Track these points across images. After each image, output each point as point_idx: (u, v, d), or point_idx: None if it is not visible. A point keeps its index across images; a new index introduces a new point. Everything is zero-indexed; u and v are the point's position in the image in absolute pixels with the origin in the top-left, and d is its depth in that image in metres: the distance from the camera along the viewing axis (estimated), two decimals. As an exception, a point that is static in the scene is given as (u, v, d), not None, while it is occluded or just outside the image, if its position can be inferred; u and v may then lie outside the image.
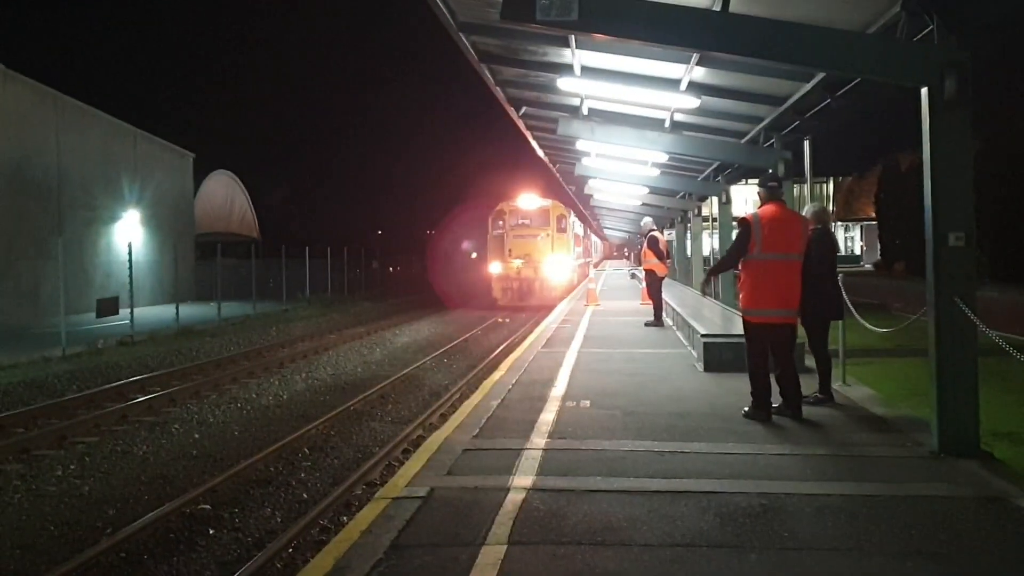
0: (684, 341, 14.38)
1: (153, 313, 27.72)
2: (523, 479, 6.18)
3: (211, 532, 7.53)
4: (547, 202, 36.24)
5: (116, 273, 30.22)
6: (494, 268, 35.55)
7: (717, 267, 8.21)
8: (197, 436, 11.50)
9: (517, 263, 35.02)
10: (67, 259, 21.34)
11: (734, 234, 8.51)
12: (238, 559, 6.88)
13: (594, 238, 66.23)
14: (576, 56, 12.12)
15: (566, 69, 13.09)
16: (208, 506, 8.21)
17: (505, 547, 4.80)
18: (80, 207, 30.90)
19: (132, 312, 22.93)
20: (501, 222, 35.90)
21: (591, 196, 36.06)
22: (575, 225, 40.12)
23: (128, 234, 31.67)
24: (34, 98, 28.91)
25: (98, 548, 6.93)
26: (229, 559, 6.91)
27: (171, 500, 8.25)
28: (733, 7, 8.09)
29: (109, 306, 23.72)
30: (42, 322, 23.99)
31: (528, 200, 36.16)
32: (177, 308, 26.15)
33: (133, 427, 12.02)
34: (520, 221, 35.87)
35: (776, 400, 8.21)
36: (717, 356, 11.16)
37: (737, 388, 9.35)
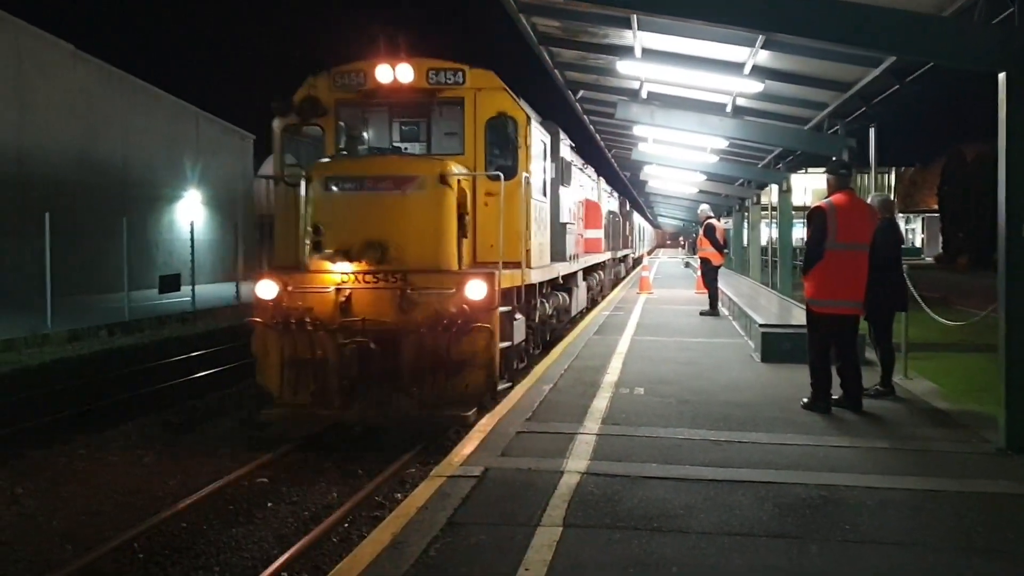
0: (740, 331, 14.21)
1: (213, 290, 28.17)
2: (577, 463, 6.17)
3: (269, 505, 7.65)
4: (454, 74, 10.40)
5: (178, 251, 30.80)
6: (262, 290, 9.11)
7: (807, 265, 8.03)
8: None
9: (343, 271, 9.05)
10: (131, 237, 21.82)
11: (806, 227, 8.32)
12: (295, 531, 6.98)
13: (638, 219, 46.03)
14: (637, 38, 12.02)
15: (626, 52, 12.99)
16: (266, 479, 8.33)
17: (560, 529, 4.80)
18: (144, 186, 31.52)
19: (193, 289, 23.38)
20: (305, 140, 11.11)
21: (646, 182, 35.74)
22: (572, 169, 14.23)
23: (190, 213, 32.27)
24: (102, 79, 29.53)
25: (161, 516, 7.09)
26: (286, 531, 7.01)
27: (230, 472, 8.38)
28: (803, -12, 7.90)
29: (171, 283, 24.18)
30: (106, 297, 24.58)
31: (396, 71, 10.18)
32: (237, 286, 26.58)
33: (196, 400, 12.26)
34: (364, 130, 10.75)
35: (836, 392, 8.07)
36: (775, 346, 11.00)
37: (795, 379, 9.20)
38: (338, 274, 9.02)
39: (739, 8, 7.27)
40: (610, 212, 24.65)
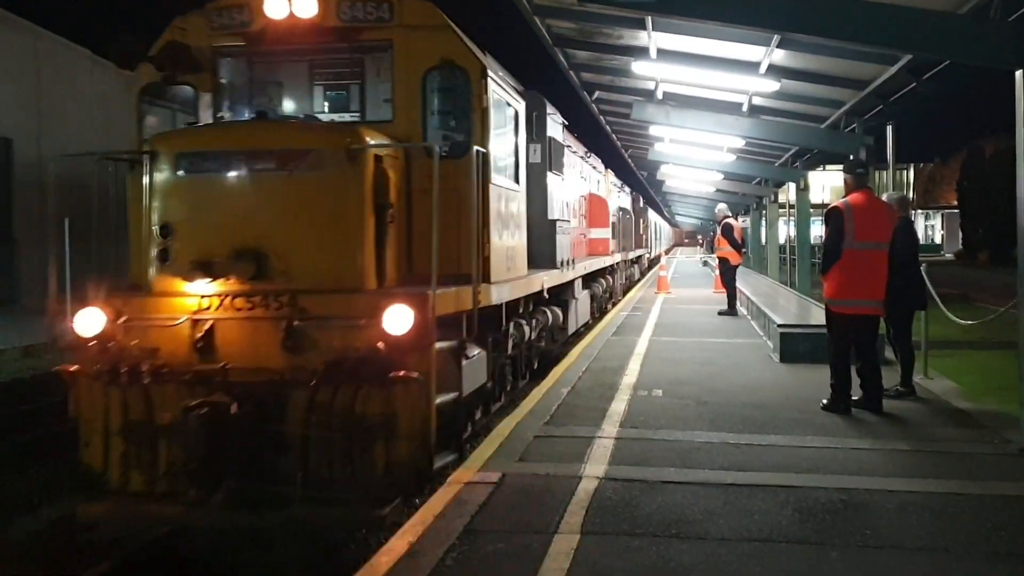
0: (759, 331, 14.14)
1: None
2: (595, 468, 6.15)
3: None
4: (376, 7, 7.35)
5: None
6: (83, 324, 6.29)
7: (825, 266, 8.00)
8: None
9: (202, 293, 6.28)
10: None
11: (824, 226, 8.26)
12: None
13: (654, 217, 43.25)
14: (652, 39, 11.97)
15: (641, 52, 12.94)
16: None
17: (578, 536, 4.78)
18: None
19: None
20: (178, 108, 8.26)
21: (663, 182, 35.66)
22: (566, 154, 12.51)
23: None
24: (118, 82, 29.75)
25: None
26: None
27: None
28: (817, -13, 7.85)
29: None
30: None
31: (291, 3, 7.13)
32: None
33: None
34: (269, 93, 8.03)
35: (856, 393, 8.01)
36: (794, 347, 10.94)
37: (814, 380, 9.15)
38: (195, 297, 6.24)
39: (755, 9, 7.23)
40: (620, 208, 22.02)
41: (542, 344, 11.11)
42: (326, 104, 8.02)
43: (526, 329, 9.61)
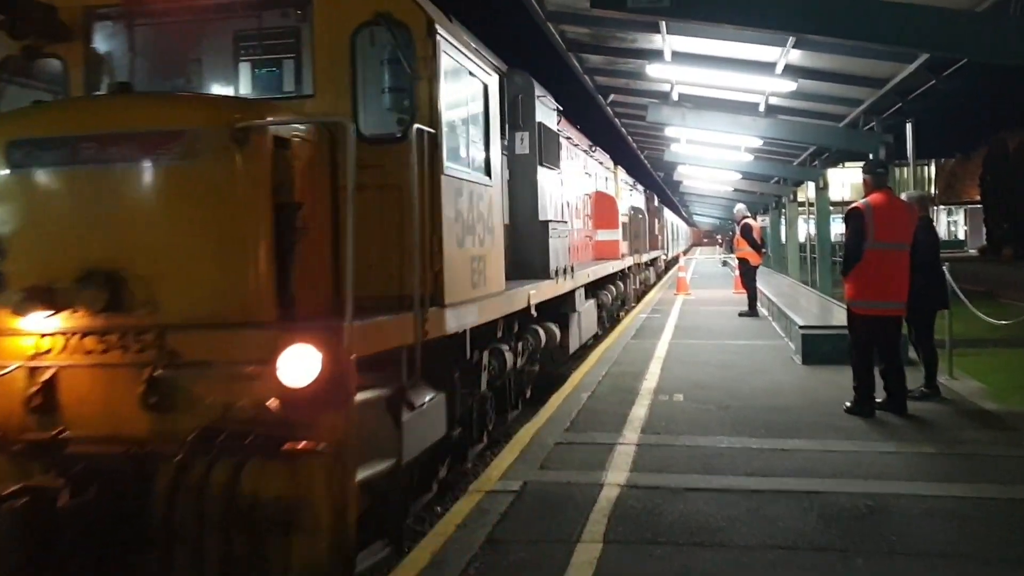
0: (780, 332, 14.05)
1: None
2: (616, 475, 6.12)
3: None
4: None
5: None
6: None
7: (846, 267, 7.95)
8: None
9: (40, 330, 4.51)
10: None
11: (845, 226, 8.20)
12: (336, 548, 6.99)
13: (671, 217, 41.56)
14: (667, 42, 11.94)
15: (656, 55, 12.90)
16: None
17: (601, 545, 4.77)
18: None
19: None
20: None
21: (680, 182, 35.57)
22: (562, 144, 11.09)
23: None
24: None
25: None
26: (327, 548, 7.03)
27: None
28: (834, -13, 7.79)
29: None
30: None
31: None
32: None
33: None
34: (169, 69, 6.18)
35: (879, 395, 7.94)
36: (816, 348, 10.86)
37: (837, 382, 9.07)
38: (32, 337, 4.56)
39: (770, 11, 7.20)
40: (633, 208, 20.07)
41: (535, 368, 9.60)
42: (234, 79, 6.15)
43: (508, 356, 7.93)
